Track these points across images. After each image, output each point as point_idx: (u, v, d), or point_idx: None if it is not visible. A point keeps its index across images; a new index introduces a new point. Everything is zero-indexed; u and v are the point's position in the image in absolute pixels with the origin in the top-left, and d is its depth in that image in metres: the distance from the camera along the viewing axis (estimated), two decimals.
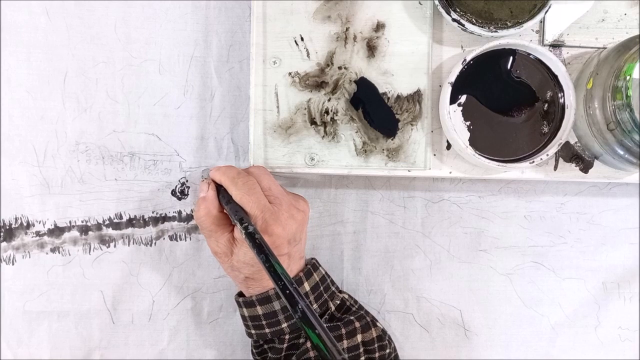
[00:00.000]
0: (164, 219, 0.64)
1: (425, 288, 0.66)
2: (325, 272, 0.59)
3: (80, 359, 0.63)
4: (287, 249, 0.55)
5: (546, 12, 0.57)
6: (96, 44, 0.63)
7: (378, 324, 0.59)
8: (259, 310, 0.56)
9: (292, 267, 0.56)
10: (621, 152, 0.55)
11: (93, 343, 0.64)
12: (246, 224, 0.51)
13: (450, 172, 0.61)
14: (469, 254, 0.66)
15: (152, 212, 0.64)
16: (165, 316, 0.64)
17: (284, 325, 0.56)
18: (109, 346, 0.64)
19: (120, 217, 0.63)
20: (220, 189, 0.57)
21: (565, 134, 0.57)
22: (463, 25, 0.57)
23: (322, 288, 0.58)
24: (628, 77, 0.51)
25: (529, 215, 0.66)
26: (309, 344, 0.56)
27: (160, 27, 0.63)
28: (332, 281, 0.60)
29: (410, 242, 0.66)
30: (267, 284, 0.56)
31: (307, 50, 0.60)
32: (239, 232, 0.54)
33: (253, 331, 0.57)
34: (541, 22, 0.60)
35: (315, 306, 0.57)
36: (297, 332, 0.57)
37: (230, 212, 0.54)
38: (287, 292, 0.46)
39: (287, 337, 0.56)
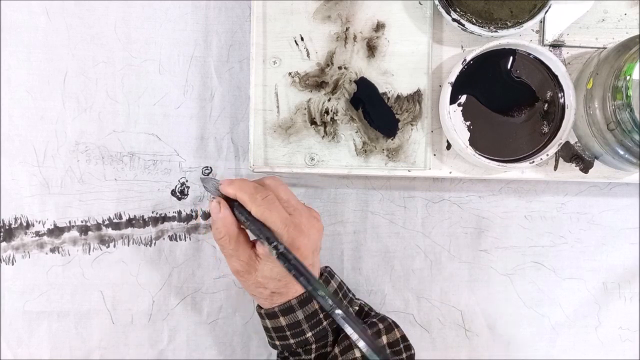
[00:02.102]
0: (164, 219, 0.64)
1: (425, 288, 0.66)
2: (341, 280, 0.58)
3: (80, 359, 0.63)
4: (311, 259, 0.54)
5: (546, 12, 0.57)
6: (96, 44, 0.63)
7: (399, 325, 0.58)
8: (282, 321, 0.54)
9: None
10: (621, 152, 0.55)
11: (93, 343, 0.64)
12: (275, 244, 0.50)
13: (450, 172, 0.61)
14: (469, 254, 0.66)
15: (152, 212, 0.64)
16: (165, 316, 0.64)
17: (309, 334, 0.54)
18: (108, 346, 0.64)
19: (120, 217, 0.63)
20: (233, 204, 0.54)
21: (565, 134, 0.57)
22: (463, 25, 0.57)
23: (340, 295, 0.57)
24: (628, 77, 0.51)
25: (529, 215, 0.66)
26: (337, 350, 0.54)
27: (160, 27, 0.63)
28: (348, 288, 0.59)
29: (411, 242, 0.66)
30: (292, 295, 0.54)
31: (307, 50, 0.60)
32: (261, 247, 0.53)
33: (277, 342, 0.56)
34: (541, 22, 0.60)
35: None
36: (322, 340, 0.55)
37: (254, 231, 0.52)
38: (339, 313, 0.46)
39: (313, 346, 0.55)
